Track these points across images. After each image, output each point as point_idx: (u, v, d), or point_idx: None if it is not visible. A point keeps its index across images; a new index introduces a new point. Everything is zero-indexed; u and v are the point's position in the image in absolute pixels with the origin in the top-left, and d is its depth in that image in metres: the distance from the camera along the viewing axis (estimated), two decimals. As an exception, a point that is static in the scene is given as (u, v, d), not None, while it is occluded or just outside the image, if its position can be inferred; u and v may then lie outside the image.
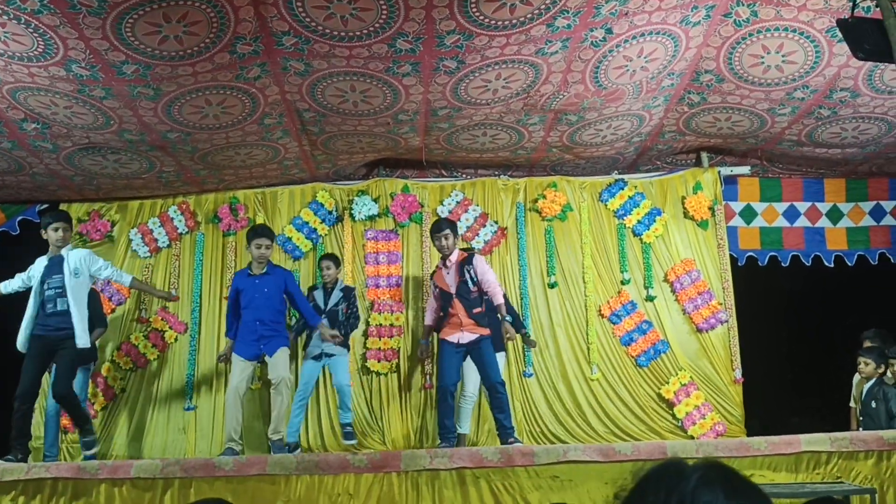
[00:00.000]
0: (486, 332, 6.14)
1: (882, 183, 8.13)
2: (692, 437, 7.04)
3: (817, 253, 8.04)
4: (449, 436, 6.09)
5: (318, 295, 6.81)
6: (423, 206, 7.76)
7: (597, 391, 7.34)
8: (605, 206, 7.84)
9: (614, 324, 7.53)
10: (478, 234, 7.71)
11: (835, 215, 8.13)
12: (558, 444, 6.63)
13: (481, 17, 4.96)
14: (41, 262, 5.93)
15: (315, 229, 7.71)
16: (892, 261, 8.04)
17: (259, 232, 6.36)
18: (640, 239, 7.75)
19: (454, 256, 6.27)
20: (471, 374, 6.46)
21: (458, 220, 7.72)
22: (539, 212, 7.78)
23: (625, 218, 7.78)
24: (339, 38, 5.11)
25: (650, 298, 7.60)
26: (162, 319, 7.56)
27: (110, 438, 7.27)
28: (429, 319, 6.53)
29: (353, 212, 7.68)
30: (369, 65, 5.48)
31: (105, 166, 6.97)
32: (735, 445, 5.35)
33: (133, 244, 7.76)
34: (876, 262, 8.03)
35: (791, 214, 8.10)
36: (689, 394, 7.30)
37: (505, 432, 6.03)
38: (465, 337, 6.11)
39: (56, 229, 5.89)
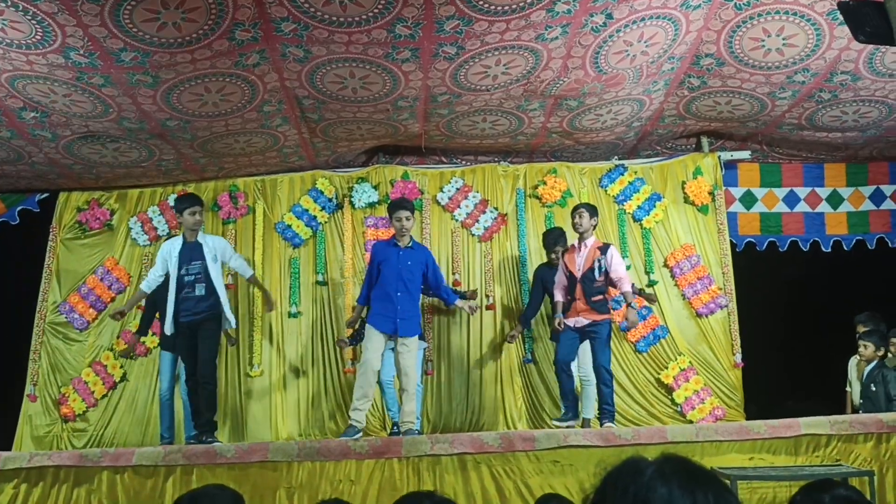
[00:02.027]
0: (603, 317, 6.09)
1: (882, 167, 8.11)
2: (691, 422, 7.06)
3: (816, 238, 8.03)
4: (570, 406, 6.09)
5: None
6: (422, 193, 7.75)
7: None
8: (606, 191, 7.83)
9: (614, 309, 7.51)
10: (478, 221, 7.70)
11: (835, 200, 8.12)
12: (558, 429, 6.64)
13: (481, 3, 4.94)
14: (174, 246, 5.94)
15: (315, 217, 7.71)
16: (889, 245, 8.03)
17: (399, 205, 6.09)
18: (640, 224, 7.75)
19: (590, 241, 6.19)
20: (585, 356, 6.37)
21: (459, 206, 7.72)
22: (539, 198, 7.77)
23: (625, 203, 7.78)
24: (338, 24, 5.09)
25: (650, 283, 7.60)
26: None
27: (111, 426, 7.29)
28: (558, 296, 6.30)
29: (352, 199, 7.67)
30: (368, 51, 5.46)
31: (104, 155, 6.95)
32: (735, 429, 5.37)
33: (133, 233, 7.77)
34: (874, 247, 8.02)
35: (791, 200, 8.09)
36: (689, 379, 7.32)
37: (605, 413, 6.00)
38: (581, 321, 6.08)
39: (193, 213, 5.93)
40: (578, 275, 6.12)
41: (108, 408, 7.36)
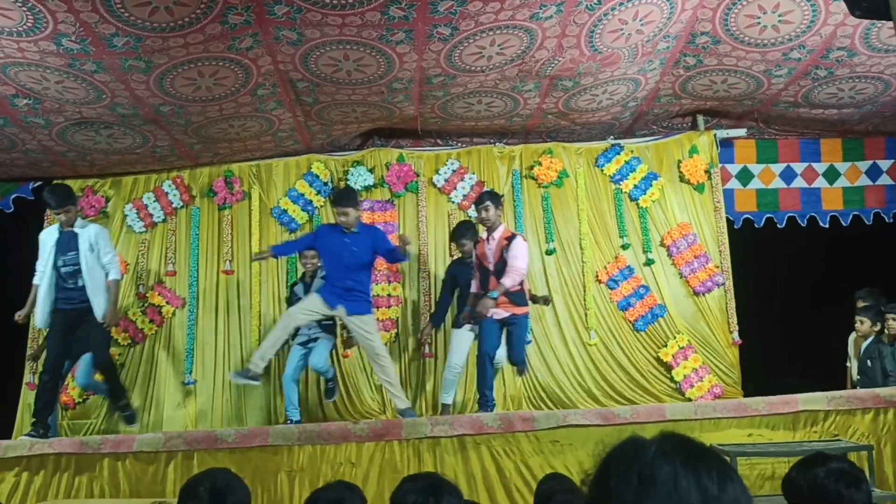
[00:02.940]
0: (522, 310, 6.03)
1: (878, 142, 8.11)
2: (690, 400, 7.09)
3: (813, 213, 8.03)
4: (489, 404, 6.01)
5: (299, 289, 6.74)
6: (418, 176, 7.73)
7: (595, 356, 7.38)
8: (602, 171, 7.82)
9: (612, 289, 7.55)
10: (474, 203, 7.68)
11: (831, 175, 8.11)
12: (557, 409, 6.67)
13: (474, -18, 4.90)
14: (50, 237, 5.88)
15: (311, 201, 7.69)
16: (886, 220, 8.04)
17: (336, 201, 6.18)
18: (637, 204, 7.74)
19: (498, 232, 6.08)
20: (460, 347, 6.44)
21: (455, 188, 7.70)
22: (535, 179, 7.76)
23: (621, 183, 7.77)
24: (331, 7, 5.06)
25: (648, 263, 7.61)
26: (159, 294, 7.55)
27: (111, 413, 7.29)
28: (474, 287, 6.27)
29: (348, 182, 7.65)
30: (362, 33, 5.42)
31: (98, 141, 6.92)
32: (733, 406, 5.40)
33: (128, 219, 7.74)
34: (871, 222, 8.03)
35: (788, 175, 8.09)
36: (687, 357, 7.34)
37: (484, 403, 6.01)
38: (499, 313, 5.98)
39: (58, 213, 5.84)
40: (491, 267, 6.06)
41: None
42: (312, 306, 5.95)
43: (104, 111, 6.28)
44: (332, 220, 7.63)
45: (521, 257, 5.95)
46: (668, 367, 7.35)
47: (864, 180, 8.10)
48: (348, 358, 7.31)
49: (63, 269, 5.78)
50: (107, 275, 5.85)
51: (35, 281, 5.96)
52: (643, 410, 5.54)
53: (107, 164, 7.49)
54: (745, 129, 7.90)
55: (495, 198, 6.22)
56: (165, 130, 6.79)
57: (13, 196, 7.88)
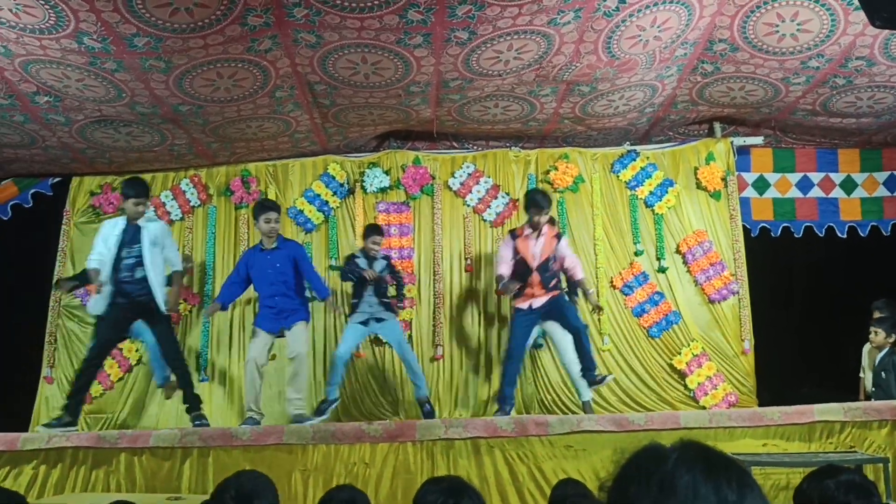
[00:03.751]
0: (558, 292, 6.20)
1: (897, 153, 8.06)
2: (704, 408, 7.06)
3: (831, 224, 7.99)
4: (504, 402, 6.10)
5: (361, 262, 6.64)
6: (434, 178, 7.75)
7: (608, 362, 7.37)
8: (618, 177, 7.81)
9: (626, 295, 7.54)
10: (489, 206, 7.70)
11: (848, 186, 8.07)
12: (572, 414, 6.67)
13: (494, -13, 4.92)
14: (115, 227, 5.96)
15: (327, 202, 7.72)
16: (904, 231, 8.00)
17: (266, 206, 6.32)
18: (653, 210, 7.73)
19: (545, 229, 6.19)
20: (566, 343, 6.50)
21: (470, 191, 7.71)
22: (551, 183, 7.75)
23: (637, 189, 7.76)
24: (350, 10, 5.08)
25: (662, 270, 7.60)
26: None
27: (127, 409, 7.35)
28: (505, 272, 6.26)
29: (364, 184, 7.68)
30: (380, 36, 5.45)
31: (117, 139, 6.98)
32: (748, 415, 5.38)
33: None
34: (889, 233, 7.99)
35: (804, 185, 8.05)
36: (701, 364, 7.32)
37: (589, 374, 6.12)
38: (537, 301, 6.11)
39: (137, 205, 5.94)
40: (535, 264, 6.11)
41: (124, 391, 7.42)
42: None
43: (124, 109, 6.33)
44: (348, 221, 7.70)
45: (572, 252, 6.37)
46: (682, 375, 7.33)
47: (882, 191, 8.05)
48: (361, 358, 7.32)
49: (125, 261, 5.87)
50: (171, 267, 6.05)
51: (90, 265, 5.98)
52: (657, 417, 5.53)
53: (125, 161, 7.56)
54: (762, 137, 7.86)
55: (550, 200, 6.30)
56: (184, 129, 6.84)
57: (32, 191, 7.95)
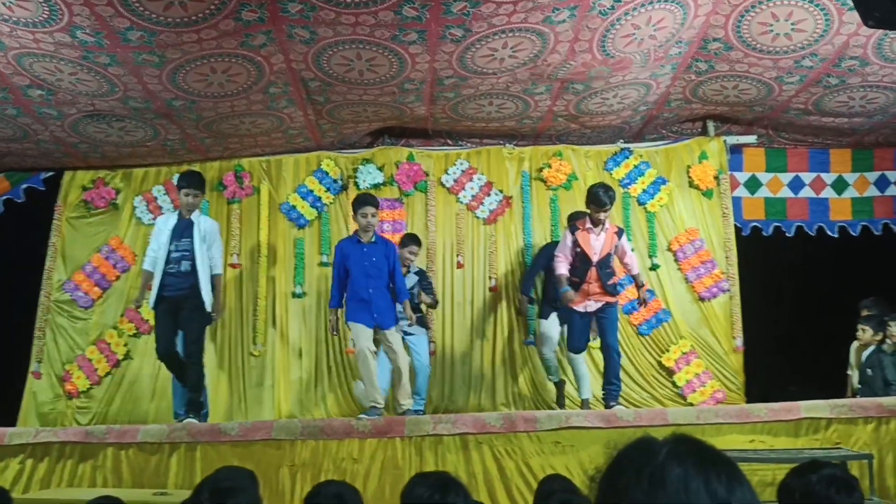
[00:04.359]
0: (614, 299, 6.22)
1: (888, 153, 8.08)
2: (692, 405, 7.10)
3: (821, 223, 8.03)
4: (615, 392, 6.15)
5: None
6: (427, 175, 7.76)
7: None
8: (611, 175, 7.82)
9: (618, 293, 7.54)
10: (482, 203, 7.71)
11: (840, 186, 8.10)
12: (560, 410, 6.69)
13: (487, -16, 4.92)
14: (168, 223, 5.99)
15: (320, 198, 7.72)
16: (895, 230, 8.02)
17: (364, 200, 6.14)
18: (645, 208, 7.75)
19: (608, 224, 6.18)
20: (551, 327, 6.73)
21: (464, 188, 7.72)
22: (544, 181, 7.77)
23: (630, 187, 7.78)
24: (344, 6, 5.09)
25: (654, 267, 7.62)
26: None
27: (115, 404, 7.34)
28: (564, 270, 6.18)
29: (357, 180, 7.68)
30: (375, 33, 5.45)
31: (110, 134, 6.97)
32: (735, 412, 5.41)
33: (137, 211, 7.78)
34: (881, 233, 8.02)
35: (796, 185, 8.08)
36: (690, 362, 7.35)
37: (611, 395, 6.14)
38: (592, 306, 6.11)
39: (187, 195, 5.97)
40: (595, 259, 6.06)
41: (111, 385, 7.41)
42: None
43: (116, 104, 6.32)
44: (341, 217, 7.70)
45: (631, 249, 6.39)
46: (671, 372, 7.36)
47: (872, 191, 8.09)
48: (352, 354, 7.32)
49: (174, 254, 5.90)
50: (212, 268, 6.00)
51: (146, 266, 6.04)
52: (646, 414, 5.56)
53: (118, 156, 7.54)
54: (754, 136, 7.88)
55: (614, 196, 6.21)
56: (177, 124, 6.84)
57: (24, 186, 7.92)
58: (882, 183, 8.09)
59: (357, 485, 4.52)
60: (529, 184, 7.80)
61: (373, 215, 6.04)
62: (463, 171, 7.78)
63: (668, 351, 7.42)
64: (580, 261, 6.11)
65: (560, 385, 6.96)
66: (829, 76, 6.51)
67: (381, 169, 7.72)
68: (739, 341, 7.49)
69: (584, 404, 6.45)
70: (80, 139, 7.04)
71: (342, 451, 5.05)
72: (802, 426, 5.26)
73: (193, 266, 5.89)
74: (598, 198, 6.02)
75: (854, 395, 6.44)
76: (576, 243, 6.13)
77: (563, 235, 6.42)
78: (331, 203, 7.74)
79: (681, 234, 7.69)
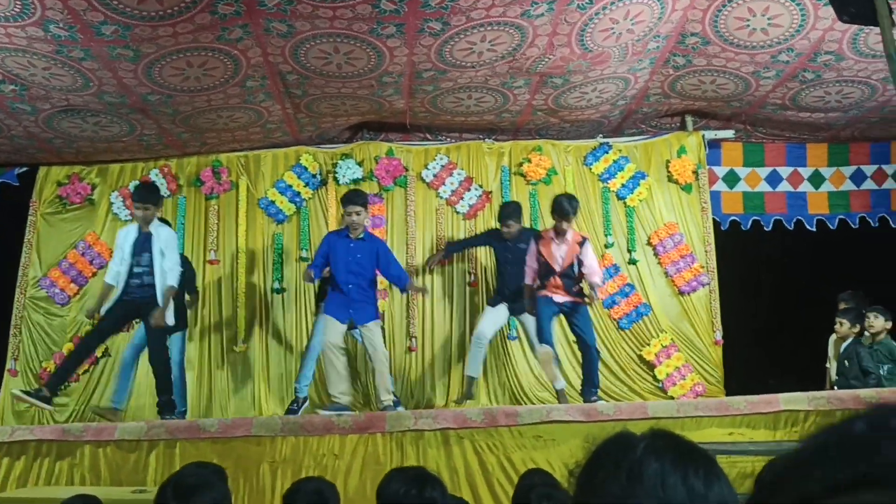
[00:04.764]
0: (581, 300, 6.11)
1: (863, 147, 8.17)
2: (672, 398, 7.14)
3: (799, 217, 8.10)
4: (593, 391, 6.09)
5: None
6: (407, 170, 7.73)
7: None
8: (590, 169, 7.84)
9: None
10: (462, 198, 7.70)
11: (816, 180, 8.17)
12: (541, 404, 6.70)
13: (466, -22, 4.90)
14: (128, 237, 5.85)
15: (299, 193, 7.67)
16: (872, 224, 8.11)
17: (350, 199, 6.10)
18: (624, 202, 7.77)
19: (570, 235, 6.09)
20: (490, 317, 6.63)
21: (443, 183, 7.71)
22: (524, 175, 7.77)
23: (609, 181, 7.80)
24: (322, -1, 5.05)
25: (633, 262, 7.65)
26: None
27: (93, 401, 7.27)
28: (529, 279, 6.25)
29: (337, 175, 7.64)
30: (353, 26, 5.42)
31: (85, 129, 6.88)
32: (715, 405, 5.43)
33: (114, 207, 7.71)
34: (857, 226, 8.11)
35: (773, 179, 8.14)
36: (670, 355, 7.39)
37: (589, 391, 6.11)
38: (558, 297, 6.06)
39: (139, 209, 5.82)
40: (558, 269, 6.05)
41: (90, 383, 7.33)
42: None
43: (91, 99, 6.24)
44: (320, 213, 7.67)
45: (596, 258, 6.24)
46: (651, 366, 7.40)
47: (848, 185, 8.17)
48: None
49: (136, 269, 5.79)
50: (166, 279, 5.82)
51: (108, 280, 5.88)
52: (626, 408, 5.58)
53: (93, 151, 7.45)
54: (732, 131, 7.93)
55: (577, 206, 6.17)
56: (153, 119, 6.77)
57: (-2, 182, 7.83)
58: (858, 177, 8.17)
59: (338, 481, 4.52)
60: (509, 178, 7.80)
61: (357, 213, 6.01)
62: (442, 165, 7.76)
63: (648, 345, 7.46)
64: (543, 270, 6.13)
65: (470, 381, 6.74)
66: (806, 71, 6.55)
67: (360, 164, 7.69)
68: (719, 335, 7.54)
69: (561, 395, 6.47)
70: (54, 134, 6.95)
71: (323, 448, 5.02)
72: (781, 418, 5.29)
73: (154, 279, 5.79)
74: (563, 207, 5.99)
75: (832, 388, 6.50)
76: (539, 253, 6.13)
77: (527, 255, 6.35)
78: (310, 198, 7.70)
79: (660, 228, 7.72)
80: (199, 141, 7.43)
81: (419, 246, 7.64)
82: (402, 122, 7.48)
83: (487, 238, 7.14)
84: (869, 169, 8.17)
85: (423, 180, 7.75)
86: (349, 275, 5.98)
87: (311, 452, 5.00)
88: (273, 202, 7.65)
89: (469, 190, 7.73)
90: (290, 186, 7.67)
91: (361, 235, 6.09)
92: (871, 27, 5.00)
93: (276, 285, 7.50)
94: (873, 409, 0.56)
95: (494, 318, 6.71)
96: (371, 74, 6.21)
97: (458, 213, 7.73)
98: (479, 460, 5.07)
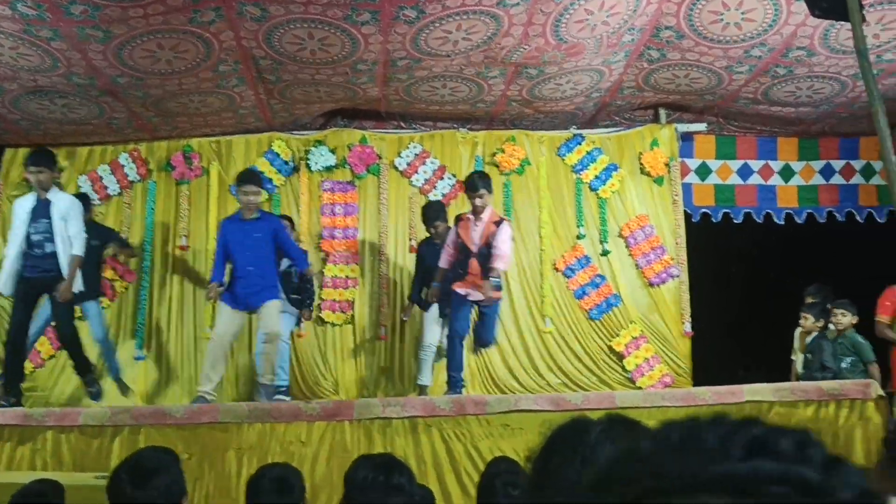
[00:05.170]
0: (497, 294, 5.89)
1: (833, 143, 8.27)
2: (640, 389, 7.19)
3: (769, 210, 8.18)
4: (458, 385, 5.92)
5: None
6: (380, 158, 7.70)
7: (549, 343, 7.45)
8: (563, 160, 7.86)
9: (568, 277, 7.61)
10: (435, 187, 7.69)
11: (786, 174, 8.26)
12: (510, 394, 6.73)
13: (441, -35, 4.88)
14: (25, 204, 5.71)
15: (271, 179, 7.60)
16: (839, 219, 8.22)
17: (244, 178, 6.07)
18: (597, 194, 7.80)
19: (486, 215, 5.90)
20: (432, 326, 6.54)
21: (416, 172, 7.68)
22: (497, 165, 7.77)
23: (582, 173, 7.82)
24: (295, -17, 5.00)
25: (604, 253, 7.69)
26: (112, 269, 7.42)
27: (58, 387, 7.18)
28: (443, 263, 6.13)
29: (309, 162, 7.59)
30: (328, 12, 5.38)
31: (53, 111, 6.78)
32: (681, 395, 5.50)
33: (82, 191, 7.57)
34: (824, 220, 8.20)
35: (744, 172, 8.21)
36: (639, 346, 7.45)
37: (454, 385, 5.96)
38: (476, 295, 5.83)
39: (34, 172, 5.66)
40: (474, 249, 5.89)
41: (55, 368, 7.24)
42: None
43: (59, 80, 6.15)
44: (292, 199, 7.62)
45: (509, 242, 5.94)
46: (621, 357, 7.45)
47: (818, 179, 8.27)
48: (302, 338, 7.27)
49: (33, 237, 5.63)
50: (71, 247, 5.66)
51: (8, 250, 5.75)
52: (594, 397, 5.62)
53: (61, 133, 7.34)
54: (705, 124, 7.98)
55: (489, 183, 6.04)
56: (122, 102, 6.68)
57: (-37, 162, 7.68)
58: (827, 171, 8.27)
59: (305, 468, 4.50)
60: (483, 168, 7.78)
61: (255, 194, 5.95)
62: (416, 154, 7.74)
63: (618, 335, 7.50)
64: (461, 252, 5.97)
65: (421, 389, 6.69)
66: (778, 66, 6.61)
67: (333, 151, 7.64)
68: (688, 326, 7.61)
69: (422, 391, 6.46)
70: (21, 115, 6.84)
71: (290, 434, 5.01)
72: (746, 409, 5.35)
73: (56, 248, 5.63)
74: (472, 182, 5.94)
75: (797, 380, 6.59)
76: (458, 235, 6.03)
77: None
78: (282, 185, 7.65)
79: (632, 220, 7.76)
80: (169, 125, 7.35)
81: (391, 234, 7.61)
82: (377, 110, 7.45)
83: (419, 256, 6.91)
84: (838, 164, 8.27)
85: (397, 168, 7.72)
86: (248, 256, 5.85)
87: (278, 439, 4.98)
88: (245, 189, 7.57)
89: (442, 179, 7.71)
90: (263, 173, 7.60)
91: (256, 216, 5.98)
92: (843, 23, 5.07)
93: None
94: (662, 426, 0.58)
95: (433, 323, 6.67)
96: (345, 61, 6.17)
97: (430, 199, 7.70)
98: (447, 448, 5.08)
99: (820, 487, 0.50)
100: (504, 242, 5.80)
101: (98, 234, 6.49)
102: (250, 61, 6.15)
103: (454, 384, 5.89)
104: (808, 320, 6.50)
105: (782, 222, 8.17)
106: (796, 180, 8.24)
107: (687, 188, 8.05)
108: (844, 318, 6.27)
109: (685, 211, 7.92)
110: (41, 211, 5.64)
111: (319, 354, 7.30)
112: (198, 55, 5.92)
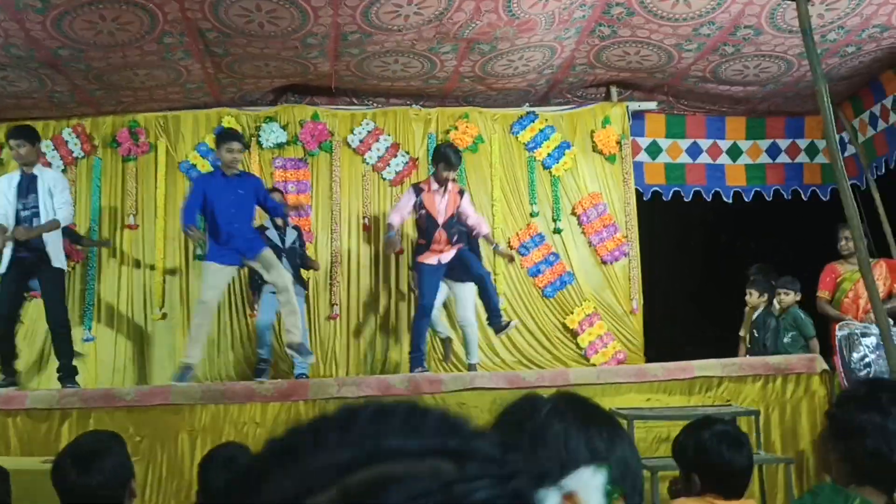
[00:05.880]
0: (461, 245, 6.20)
1: (779, 122, 8.41)
2: (594, 365, 7.28)
3: (718, 188, 8.30)
4: (421, 360, 5.99)
5: (273, 234, 6.58)
6: (333, 135, 7.60)
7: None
8: (516, 138, 7.86)
9: (522, 255, 7.63)
10: (388, 165, 7.63)
11: (734, 152, 8.39)
12: (465, 372, 6.75)
13: (393, -62, 4.80)
14: (11, 180, 5.59)
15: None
16: (785, 197, 8.39)
17: (229, 135, 5.89)
18: (550, 172, 7.83)
19: (450, 185, 6.07)
20: (468, 298, 6.45)
21: (370, 149, 7.61)
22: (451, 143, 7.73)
23: (535, 151, 7.83)
24: (243, -46, 4.88)
25: (558, 231, 7.73)
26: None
27: (22, 368, 6.97)
28: (395, 219, 6.11)
29: (260, 139, 7.46)
30: (276, -17, 5.26)
31: (-10, 84, 6.53)
32: (633, 371, 5.58)
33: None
34: (771, 199, 8.36)
35: (694, 151, 8.32)
36: (593, 324, 7.53)
37: (496, 321, 6.25)
38: (445, 257, 6.07)
39: (15, 147, 5.57)
40: (441, 220, 6.07)
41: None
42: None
43: (-3, 52, 5.92)
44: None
45: (473, 206, 6.30)
46: (574, 334, 7.52)
47: (764, 158, 8.41)
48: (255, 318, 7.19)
49: (23, 213, 5.54)
50: (61, 220, 5.60)
51: None
52: (548, 374, 5.67)
53: (1, 108, 7.08)
54: (655, 103, 8.05)
55: (461, 157, 6.18)
56: (64, 75, 6.46)
57: None
58: (773, 150, 8.42)
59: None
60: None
61: (239, 151, 5.80)
62: (369, 131, 7.66)
63: (571, 313, 7.57)
64: (427, 223, 6.12)
65: (446, 342, 6.98)
66: (726, 45, 6.68)
67: (284, 128, 7.52)
68: (636, 303, 7.71)
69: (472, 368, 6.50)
70: (-44, 89, 6.58)
71: (244, 416, 4.96)
72: (696, 384, 5.47)
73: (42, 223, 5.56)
74: (449, 158, 6.01)
75: (745, 355, 6.75)
76: (421, 205, 6.11)
77: (405, 193, 6.36)
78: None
79: (584, 198, 7.81)
80: (114, 99, 7.14)
81: (344, 211, 7.54)
82: (328, 86, 7.34)
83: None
84: (784, 143, 8.42)
85: (349, 145, 7.63)
86: (232, 212, 5.64)
87: (232, 421, 4.93)
88: (195, 165, 7.41)
89: (395, 156, 7.65)
90: (212, 150, 7.44)
91: (237, 172, 5.82)
92: (789, 2, 5.14)
93: (198, 251, 7.31)
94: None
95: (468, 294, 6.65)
96: (295, 35, 6.06)
97: (384, 179, 7.65)
98: (402, 427, 5.07)
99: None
100: (473, 210, 6.22)
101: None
102: (196, 34, 5.99)
103: (418, 359, 6.00)
104: (752, 296, 6.70)
105: (731, 200, 8.31)
106: (744, 159, 8.37)
107: (638, 166, 8.13)
108: (787, 297, 6.45)
109: (636, 189, 8.00)
110: (28, 186, 5.56)
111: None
112: (142, 27, 5.74)
